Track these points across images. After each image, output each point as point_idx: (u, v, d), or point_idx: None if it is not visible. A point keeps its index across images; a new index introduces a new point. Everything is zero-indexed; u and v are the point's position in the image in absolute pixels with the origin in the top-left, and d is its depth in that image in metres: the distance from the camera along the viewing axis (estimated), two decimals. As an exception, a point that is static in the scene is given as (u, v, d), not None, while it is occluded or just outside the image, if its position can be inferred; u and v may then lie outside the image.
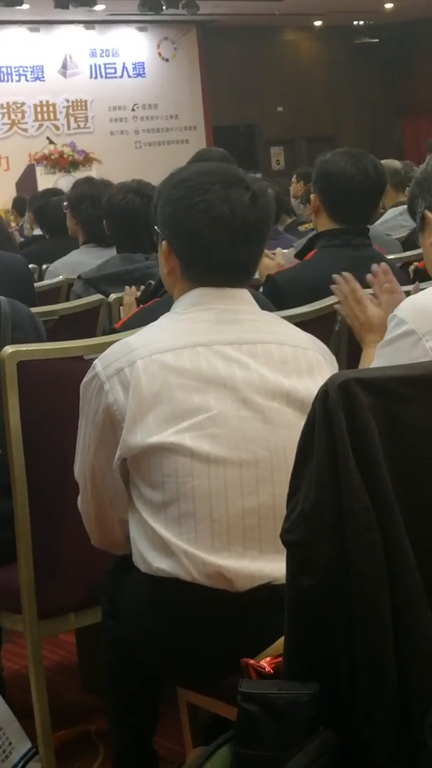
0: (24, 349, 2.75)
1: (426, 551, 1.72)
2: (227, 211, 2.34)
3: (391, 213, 6.44)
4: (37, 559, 2.79)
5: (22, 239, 7.90)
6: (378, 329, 2.97)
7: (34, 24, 17.71)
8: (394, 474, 1.70)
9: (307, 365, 2.36)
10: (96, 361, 2.34)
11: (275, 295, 3.53)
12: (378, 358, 2.45)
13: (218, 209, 2.34)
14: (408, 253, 4.92)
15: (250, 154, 21.09)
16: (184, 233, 2.38)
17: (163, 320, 2.42)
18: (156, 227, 2.50)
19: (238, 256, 2.39)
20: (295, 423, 2.07)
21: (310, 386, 2.26)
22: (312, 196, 3.90)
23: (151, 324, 2.44)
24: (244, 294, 2.42)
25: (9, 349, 2.71)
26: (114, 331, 3.26)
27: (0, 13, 15.89)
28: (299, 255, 3.98)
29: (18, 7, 15.75)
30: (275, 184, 5.93)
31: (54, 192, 7.60)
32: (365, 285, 3.49)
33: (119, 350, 2.32)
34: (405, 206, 6.37)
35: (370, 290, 3.31)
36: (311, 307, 3.35)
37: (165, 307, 2.49)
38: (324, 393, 1.69)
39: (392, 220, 6.33)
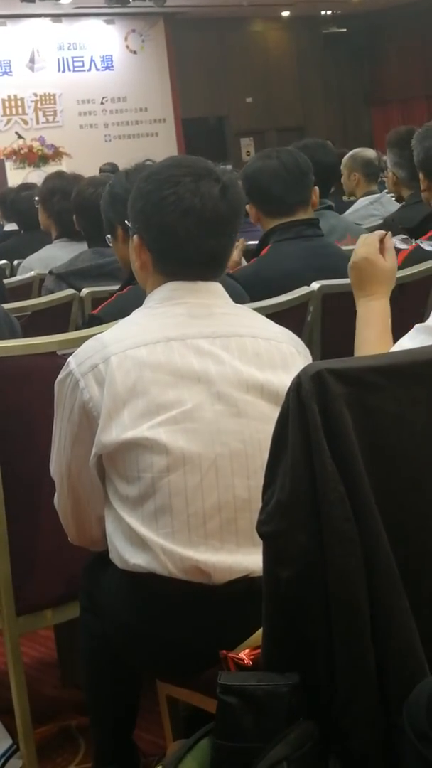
0: (-3, 345, 2.74)
1: (402, 539, 1.73)
2: (198, 204, 2.34)
3: (362, 202, 6.44)
4: (13, 556, 2.78)
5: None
6: (391, 282, 2.84)
7: (1, 18, 17.63)
8: (368, 463, 1.70)
9: (281, 358, 2.37)
10: (70, 359, 2.33)
11: None
12: (412, 340, 2.34)
13: (188, 201, 2.34)
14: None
15: (220, 146, 21.07)
16: (155, 226, 2.37)
17: (136, 315, 2.41)
18: (119, 221, 2.50)
19: (211, 248, 2.39)
20: (270, 415, 2.07)
21: (284, 379, 2.26)
22: (248, 206, 3.91)
23: (124, 319, 2.43)
24: (217, 287, 2.42)
25: (-19, 346, 2.71)
26: (92, 317, 3.26)
27: (-34, 8, 15.82)
28: (254, 254, 4.02)
29: (-16, 2, 15.71)
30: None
31: (26, 187, 7.59)
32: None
33: (93, 347, 2.32)
34: (376, 195, 6.45)
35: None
36: (284, 297, 3.37)
37: (141, 294, 2.49)
38: (297, 384, 1.70)
39: (363, 209, 6.34)
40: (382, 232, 2.86)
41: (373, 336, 2.72)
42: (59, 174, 5.59)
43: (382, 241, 2.83)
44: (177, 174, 2.37)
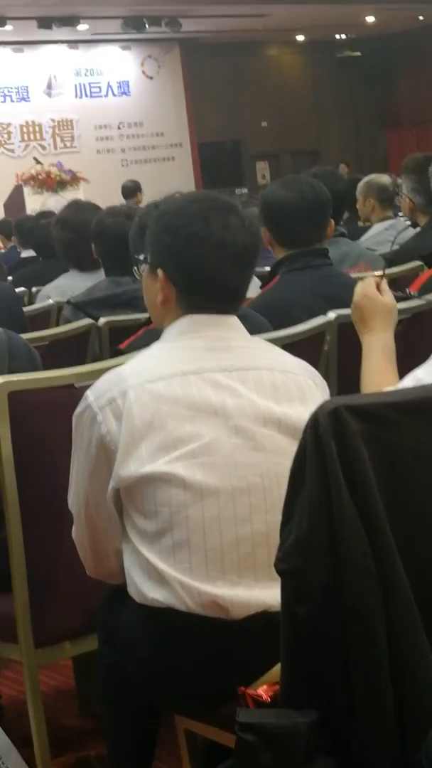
0: (15, 379, 2.75)
1: (420, 575, 1.73)
2: (228, 238, 2.37)
3: (377, 228, 6.45)
4: (32, 588, 2.79)
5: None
6: (390, 317, 2.90)
7: (18, 45, 17.77)
8: (386, 500, 1.70)
9: (298, 391, 2.37)
10: (88, 392, 2.34)
11: None
12: (426, 370, 2.40)
13: (219, 236, 2.36)
14: (395, 270, 4.92)
15: (235, 170, 21.15)
16: (185, 261, 2.39)
17: (154, 349, 2.42)
18: (140, 256, 2.51)
19: (238, 281, 2.43)
20: (287, 449, 2.08)
21: (301, 412, 2.27)
22: (262, 229, 3.94)
23: (142, 352, 2.44)
24: (234, 320, 2.43)
25: (0, 379, 2.72)
26: (119, 351, 3.27)
27: (-16, 35, 15.94)
28: (264, 284, 4.04)
29: (1, 29, 15.82)
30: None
31: (44, 214, 7.65)
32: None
33: (110, 380, 2.32)
34: (392, 221, 6.46)
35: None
36: (300, 328, 3.37)
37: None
38: (314, 420, 1.70)
39: (378, 235, 6.34)
40: (378, 278, 2.94)
41: (375, 368, 2.79)
42: (72, 204, 5.61)
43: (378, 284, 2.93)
44: (205, 208, 2.39)
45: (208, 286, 2.40)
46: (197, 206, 2.41)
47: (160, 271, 2.43)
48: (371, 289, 2.90)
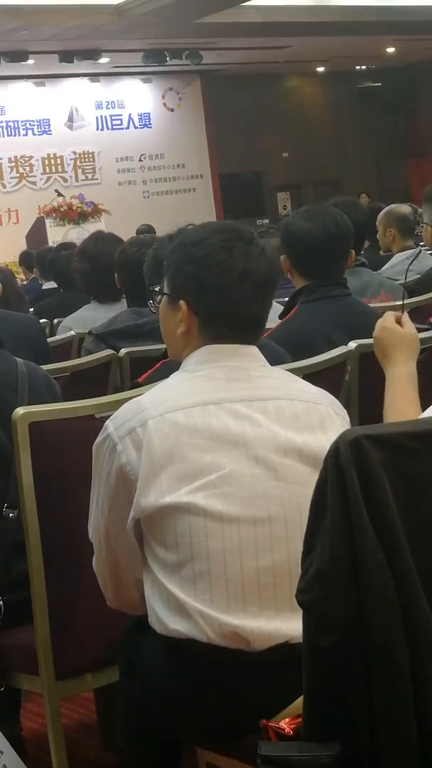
0: (35, 410, 2.76)
1: (443, 606, 1.72)
2: (252, 267, 2.38)
3: (398, 258, 6.45)
4: (53, 620, 2.78)
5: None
6: (411, 348, 2.90)
7: (40, 78, 17.90)
8: (407, 529, 1.69)
9: (318, 420, 2.36)
10: (108, 422, 2.34)
11: None
12: None
13: (242, 265, 2.37)
14: (416, 299, 4.92)
15: (257, 200, 21.22)
16: (210, 291, 2.39)
17: (173, 379, 2.42)
18: (156, 288, 2.52)
19: (260, 310, 2.44)
20: (309, 479, 2.07)
21: (322, 441, 2.26)
22: (282, 257, 3.96)
23: (162, 382, 2.44)
24: (254, 350, 2.43)
25: (20, 410, 2.72)
26: (137, 385, 3.27)
27: (6, 69, 16.05)
28: (283, 314, 4.04)
29: (24, 63, 15.94)
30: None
31: (65, 246, 7.67)
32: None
33: (130, 410, 2.32)
34: (412, 251, 6.45)
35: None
36: (321, 357, 3.37)
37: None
38: (335, 450, 1.69)
39: (400, 264, 6.33)
40: (398, 313, 2.94)
41: (398, 399, 2.78)
42: (94, 236, 5.64)
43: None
44: (227, 239, 2.40)
45: (231, 316, 2.40)
46: (218, 237, 2.41)
47: (182, 303, 2.42)
48: (390, 322, 2.91)
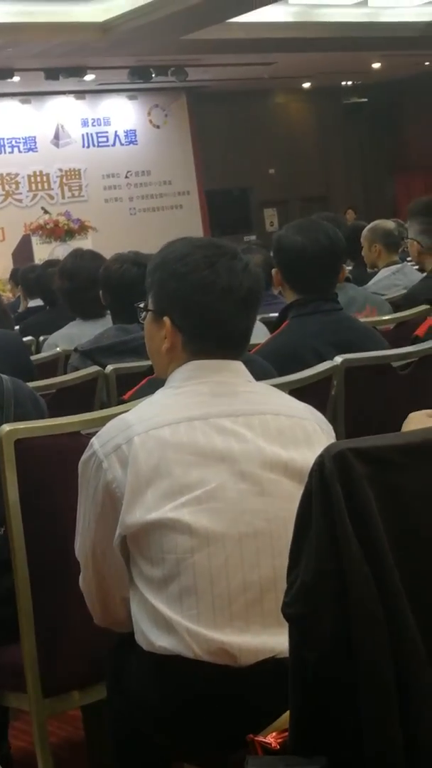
0: (21, 426, 2.75)
1: (427, 620, 1.71)
2: (236, 283, 2.38)
3: (384, 273, 6.47)
4: (39, 637, 2.77)
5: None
6: None
7: (26, 96, 17.95)
8: (392, 542, 1.69)
9: (304, 435, 2.36)
10: (93, 439, 2.34)
11: None
12: None
13: (226, 281, 2.38)
14: (402, 314, 4.93)
15: (244, 217, 21.27)
16: (194, 307, 2.39)
17: (159, 395, 2.42)
18: (141, 305, 2.52)
19: (245, 325, 2.44)
20: (294, 494, 2.06)
21: (307, 456, 2.26)
22: (273, 270, 3.98)
23: (147, 399, 2.44)
24: (239, 365, 2.43)
25: (6, 427, 2.71)
26: (123, 401, 3.27)
27: (-8, 87, 16.09)
28: (273, 329, 4.05)
29: (9, 80, 15.97)
30: (267, 248, 5.94)
31: (50, 263, 7.67)
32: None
33: (116, 427, 2.32)
34: (399, 266, 6.48)
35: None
36: (307, 372, 3.37)
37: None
38: (320, 464, 1.69)
39: (385, 279, 6.36)
40: None
41: None
42: (73, 253, 5.63)
43: None
44: (210, 254, 2.40)
45: (216, 331, 2.40)
46: (201, 252, 2.41)
47: (166, 319, 2.43)
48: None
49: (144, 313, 2.54)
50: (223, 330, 2.40)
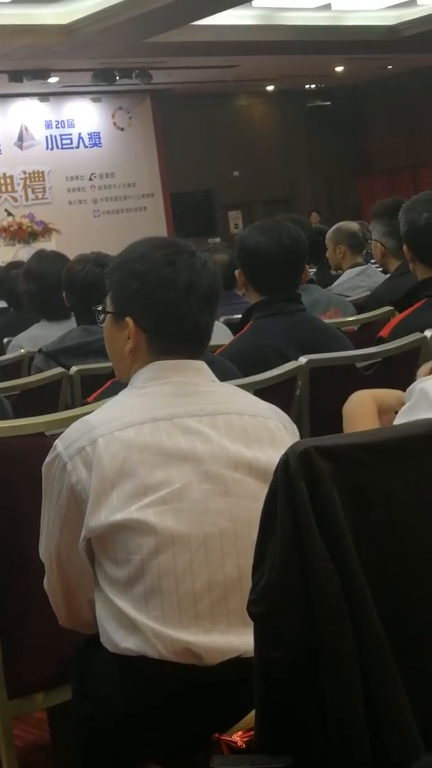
0: (-16, 428, 2.74)
1: (393, 616, 1.72)
2: (196, 280, 2.39)
3: (348, 274, 6.48)
4: (3, 640, 2.76)
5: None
6: None
7: (-11, 98, 17.85)
8: (356, 540, 1.70)
9: (268, 434, 2.36)
10: (57, 441, 2.33)
11: None
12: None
13: (187, 278, 2.38)
14: (365, 315, 4.95)
15: (208, 219, 21.26)
16: (155, 306, 2.39)
17: (122, 396, 2.41)
18: (100, 307, 2.52)
19: (206, 323, 2.44)
20: (258, 493, 2.06)
21: (272, 455, 2.26)
22: (237, 272, 3.98)
23: (110, 400, 2.44)
24: (201, 365, 2.43)
25: (-30, 428, 2.70)
26: (88, 404, 3.26)
27: None
28: (236, 330, 4.05)
29: (-28, 83, 15.91)
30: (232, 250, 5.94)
31: (14, 265, 7.63)
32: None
33: (79, 429, 2.31)
34: (363, 267, 6.50)
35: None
36: (271, 373, 3.38)
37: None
38: (285, 462, 1.70)
39: (350, 281, 6.37)
40: None
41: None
42: (37, 254, 5.61)
43: None
44: (169, 253, 2.41)
45: (179, 329, 2.40)
46: (160, 251, 2.42)
47: (128, 319, 2.42)
48: None
49: (102, 315, 2.53)
50: (186, 327, 2.40)
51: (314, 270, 6.66)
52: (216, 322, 2.56)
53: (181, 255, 2.41)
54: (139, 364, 2.42)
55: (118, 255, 2.51)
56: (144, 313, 2.41)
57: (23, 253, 16.45)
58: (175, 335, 2.40)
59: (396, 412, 2.51)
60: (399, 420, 2.33)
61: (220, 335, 4.30)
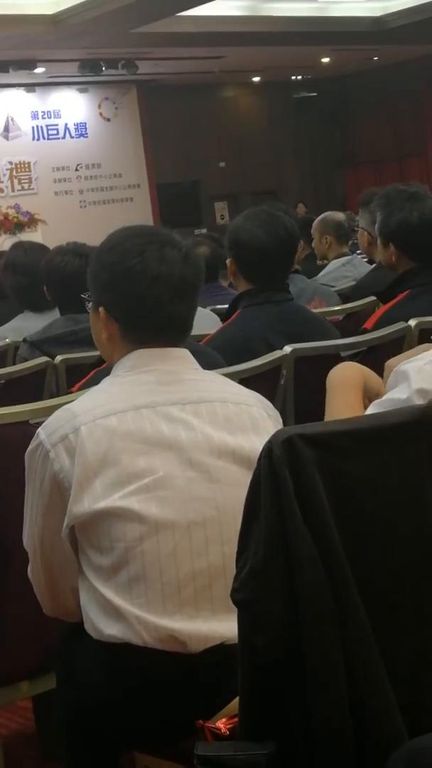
0: (-32, 416, 2.74)
1: (376, 602, 1.73)
2: (165, 270, 2.37)
3: (334, 264, 6.49)
4: (-13, 629, 2.76)
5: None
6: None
7: (-25, 88, 17.79)
8: (340, 527, 1.70)
9: (251, 422, 2.36)
10: (39, 429, 2.33)
11: None
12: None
13: (155, 269, 2.37)
14: (350, 305, 4.96)
15: (194, 210, 21.23)
16: (124, 296, 2.39)
17: (105, 384, 2.41)
18: (86, 294, 2.52)
19: (179, 313, 2.42)
20: (242, 481, 2.06)
21: (255, 443, 2.26)
22: (228, 260, 3.98)
23: (93, 388, 2.43)
24: (184, 353, 2.43)
25: None
26: (72, 394, 3.26)
27: None
28: (224, 319, 4.05)
29: (-42, 73, 15.84)
30: (216, 241, 5.92)
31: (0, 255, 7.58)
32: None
33: (62, 417, 2.31)
34: (348, 258, 6.50)
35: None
36: (256, 362, 3.38)
37: None
38: (268, 450, 1.70)
39: (335, 271, 6.38)
40: None
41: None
42: (16, 246, 5.59)
43: None
44: (140, 243, 2.40)
45: (149, 320, 2.40)
46: (132, 241, 2.42)
47: (101, 309, 2.43)
48: None
49: (89, 303, 2.54)
50: (156, 318, 2.40)
51: (305, 255, 6.65)
52: (205, 311, 2.56)
53: (152, 245, 2.39)
54: (120, 352, 2.43)
55: (100, 244, 2.51)
56: (114, 304, 2.42)
57: (9, 244, 16.39)
58: (149, 326, 2.40)
59: (370, 400, 2.52)
60: (374, 408, 2.31)
61: (210, 324, 4.30)
